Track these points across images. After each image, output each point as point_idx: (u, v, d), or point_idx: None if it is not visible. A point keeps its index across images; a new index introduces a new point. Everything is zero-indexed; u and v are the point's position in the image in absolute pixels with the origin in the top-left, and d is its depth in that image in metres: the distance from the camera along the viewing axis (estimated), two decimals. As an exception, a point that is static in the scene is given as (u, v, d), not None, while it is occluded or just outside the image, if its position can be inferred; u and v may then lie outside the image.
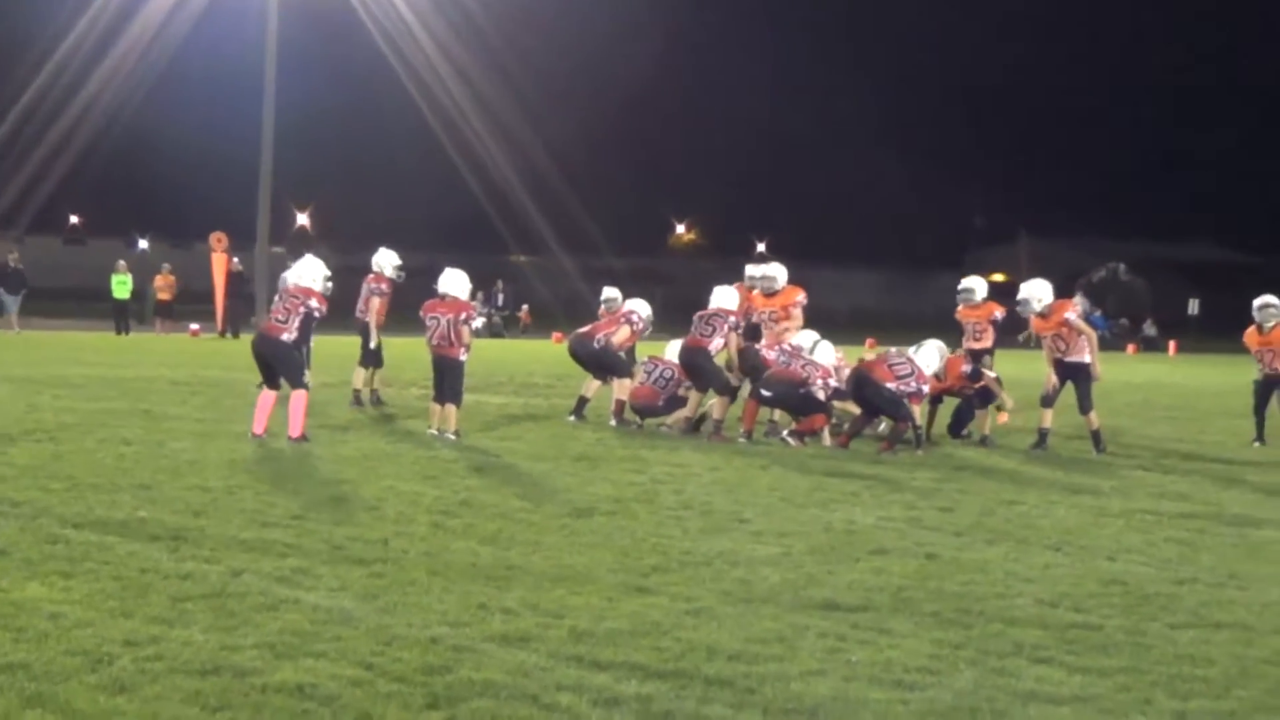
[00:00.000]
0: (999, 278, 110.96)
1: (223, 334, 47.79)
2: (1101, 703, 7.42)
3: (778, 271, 21.07)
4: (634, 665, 7.74)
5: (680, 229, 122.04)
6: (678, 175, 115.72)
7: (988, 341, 21.55)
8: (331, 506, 12.47)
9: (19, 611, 8.39)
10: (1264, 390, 21.73)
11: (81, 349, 35.52)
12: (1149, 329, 69.50)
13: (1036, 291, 19.91)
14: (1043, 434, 19.37)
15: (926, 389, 18.91)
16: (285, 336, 17.78)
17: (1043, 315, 19.64)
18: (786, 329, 20.37)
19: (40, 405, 20.34)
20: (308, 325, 18.36)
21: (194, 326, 47.16)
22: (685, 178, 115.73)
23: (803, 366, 19.14)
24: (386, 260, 22.04)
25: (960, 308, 21.73)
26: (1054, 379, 19.48)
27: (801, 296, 20.82)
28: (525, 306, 64.20)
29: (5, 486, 12.87)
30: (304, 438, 17.19)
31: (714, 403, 19.81)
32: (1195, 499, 15.01)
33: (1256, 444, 21.12)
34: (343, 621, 8.40)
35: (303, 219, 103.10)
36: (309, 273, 18.29)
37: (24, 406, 20.05)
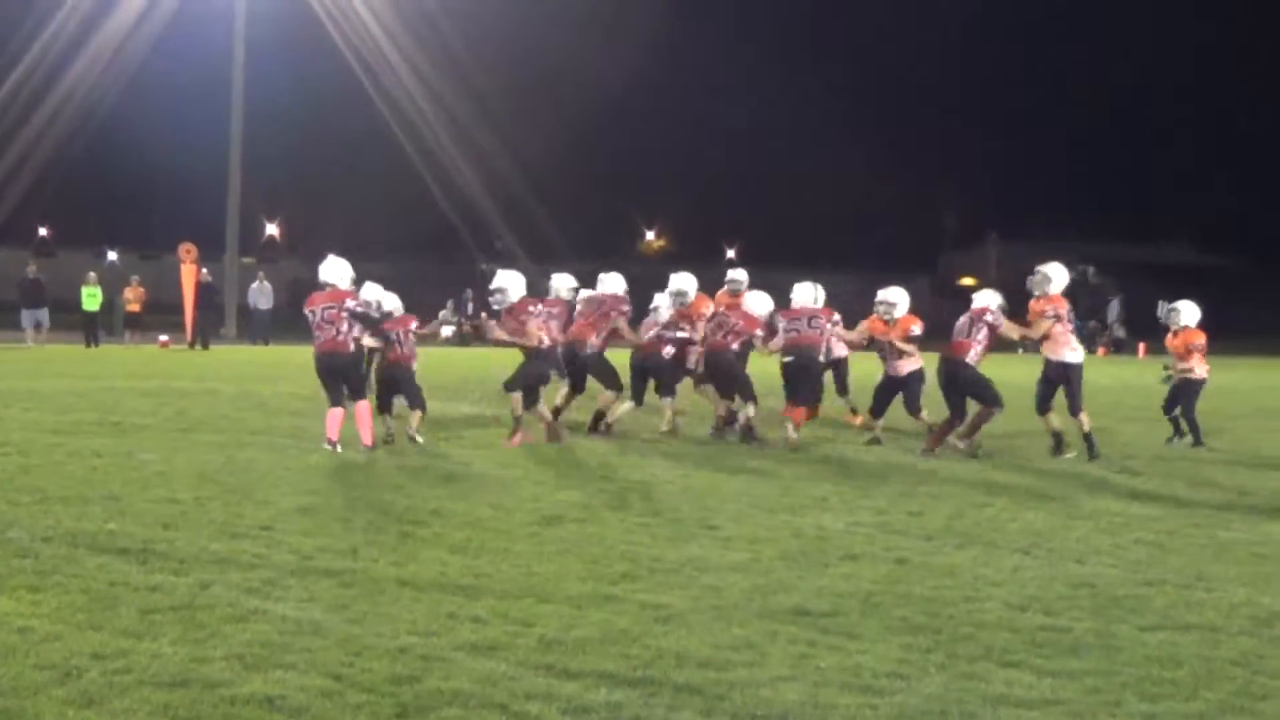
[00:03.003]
0: (969, 280, 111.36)
1: (192, 345, 47.65)
2: (1071, 705, 7.44)
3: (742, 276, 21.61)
4: (603, 673, 7.75)
5: (650, 235, 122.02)
6: (647, 181, 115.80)
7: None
8: (300, 517, 12.45)
9: (-13, 626, 8.38)
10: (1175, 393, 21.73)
11: (51, 361, 35.44)
12: (1118, 331, 69.54)
13: (892, 297, 20.56)
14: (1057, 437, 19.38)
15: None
16: (350, 349, 18.03)
17: (887, 322, 20.38)
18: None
19: (8, 418, 20.30)
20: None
21: (163, 338, 47.01)
22: (654, 183, 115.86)
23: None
24: (563, 283, 21.60)
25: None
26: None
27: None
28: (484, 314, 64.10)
29: (-28, 500, 12.85)
30: (374, 447, 17.62)
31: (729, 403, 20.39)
32: (1164, 500, 15.04)
33: (1172, 443, 21.34)
34: (312, 632, 8.39)
35: (272, 229, 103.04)
36: (336, 273, 18.35)
37: (-9, 419, 20.02)
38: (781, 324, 20.30)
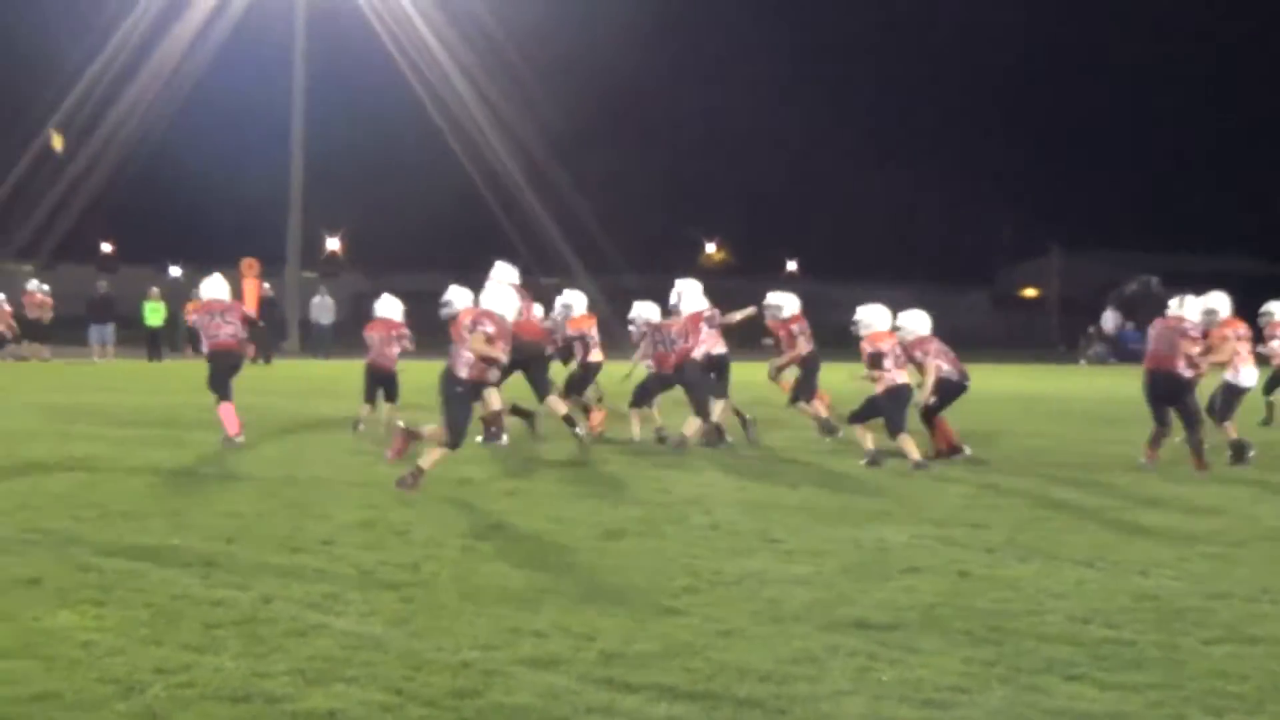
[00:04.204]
0: (1031, 292, 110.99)
1: (254, 359, 47.85)
2: (1134, 719, 7.41)
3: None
4: (664, 687, 7.74)
5: (710, 248, 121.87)
6: (707, 194, 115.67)
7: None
8: (361, 531, 12.48)
9: (51, 640, 8.41)
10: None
11: (114, 376, 35.65)
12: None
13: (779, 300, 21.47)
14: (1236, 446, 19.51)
15: None
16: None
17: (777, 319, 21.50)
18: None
19: (73, 433, 20.44)
20: None
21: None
22: (715, 197, 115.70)
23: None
24: (648, 310, 21.91)
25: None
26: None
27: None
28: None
29: (37, 515, 12.92)
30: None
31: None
32: (1228, 513, 14.91)
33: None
34: (373, 647, 8.41)
35: (333, 243, 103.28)
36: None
37: (56, 435, 20.16)
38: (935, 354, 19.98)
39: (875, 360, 19.20)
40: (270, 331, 50.02)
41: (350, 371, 24.32)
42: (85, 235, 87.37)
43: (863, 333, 19.41)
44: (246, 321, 20.97)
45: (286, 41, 59.16)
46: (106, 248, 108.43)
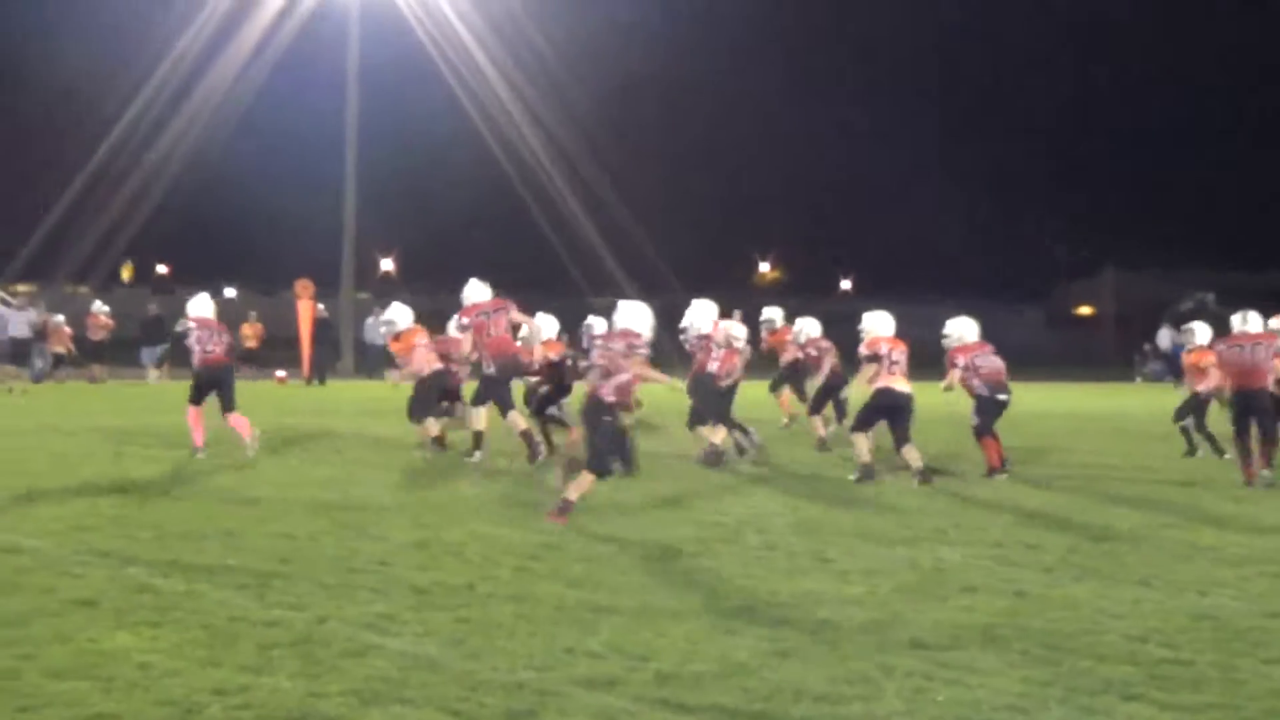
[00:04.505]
0: (1086, 310, 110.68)
1: (309, 380, 47.94)
2: (1193, 740, 7.37)
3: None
4: (720, 707, 7.73)
5: (764, 267, 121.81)
6: (761, 213, 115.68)
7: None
8: (416, 551, 12.49)
9: (108, 661, 8.44)
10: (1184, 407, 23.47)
11: (168, 398, 35.76)
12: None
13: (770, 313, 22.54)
14: None
15: None
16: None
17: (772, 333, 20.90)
18: None
19: (128, 454, 20.52)
20: None
21: (280, 373, 47.32)
22: (768, 215, 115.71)
23: None
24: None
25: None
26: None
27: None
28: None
29: (93, 536, 12.96)
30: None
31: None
32: (1287, 532, 14.85)
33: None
34: (428, 667, 8.41)
35: (387, 264, 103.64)
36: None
37: (111, 456, 20.23)
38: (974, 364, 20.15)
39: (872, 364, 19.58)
40: (325, 352, 50.16)
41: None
42: (141, 257, 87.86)
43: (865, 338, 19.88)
44: (231, 344, 22.06)
45: (340, 64, 59.29)
46: (162, 269, 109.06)
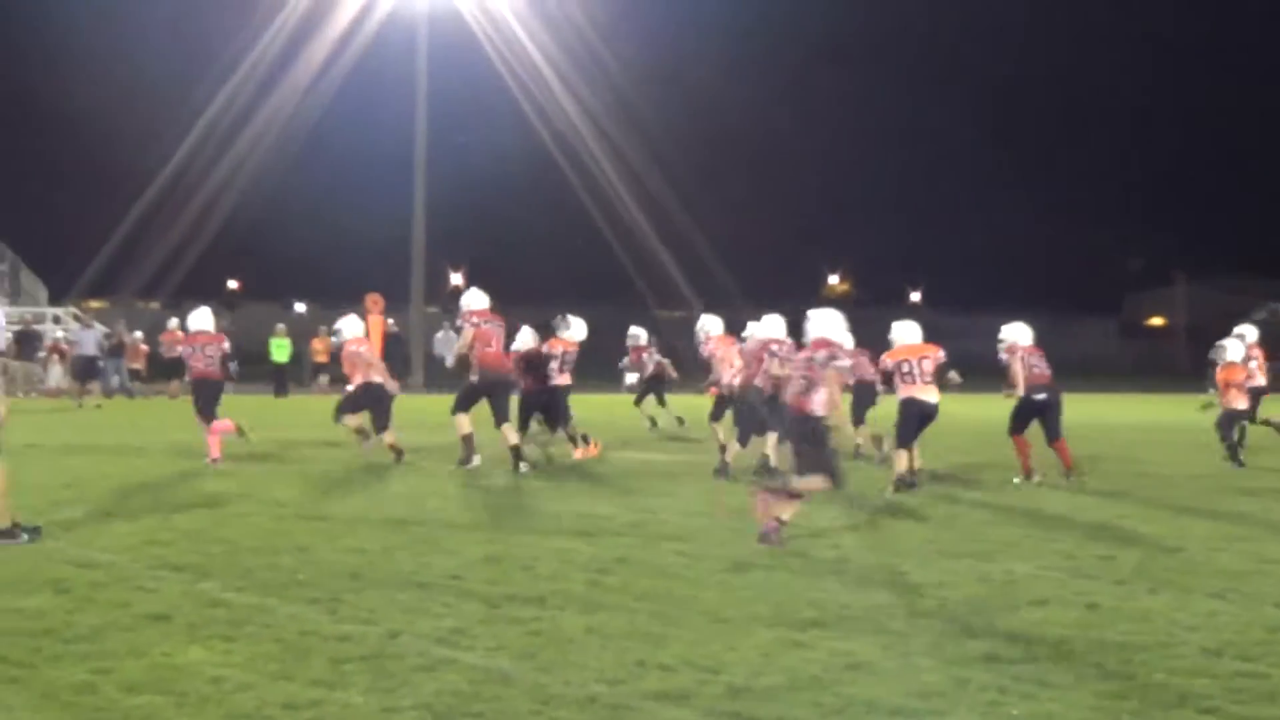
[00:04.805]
0: (1157, 322, 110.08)
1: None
2: (1270, 753, 7.31)
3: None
4: (792, 721, 7.71)
5: (833, 279, 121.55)
6: (831, 224, 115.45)
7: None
8: (487, 566, 12.49)
9: (181, 676, 8.48)
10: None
11: (240, 412, 35.86)
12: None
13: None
14: None
15: None
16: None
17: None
18: None
19: (199, 470, 20.63)
20: None
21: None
22: (838, 226, 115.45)
23: None
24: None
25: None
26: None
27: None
28: (667, 361, 64.32)
29: (167, 551, 13.03)
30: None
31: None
32: (1364, 542, 14.72)
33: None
34: (500, 681, 8.42)
35: (456, 278, 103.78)
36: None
37: (184, 471, 20.35)
38: (1024, 360, 20.47)
39: (886, 378, 20.24)
40: (395, 367, 50.22)
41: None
42: (210, 272, 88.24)
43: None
44: (225, 354, 23.26)
45: (408, 78, 59.50)
46: (232, 284, 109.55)
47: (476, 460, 21.44)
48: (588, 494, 18.26)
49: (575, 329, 24.27)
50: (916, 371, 19.43)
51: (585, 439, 23.88)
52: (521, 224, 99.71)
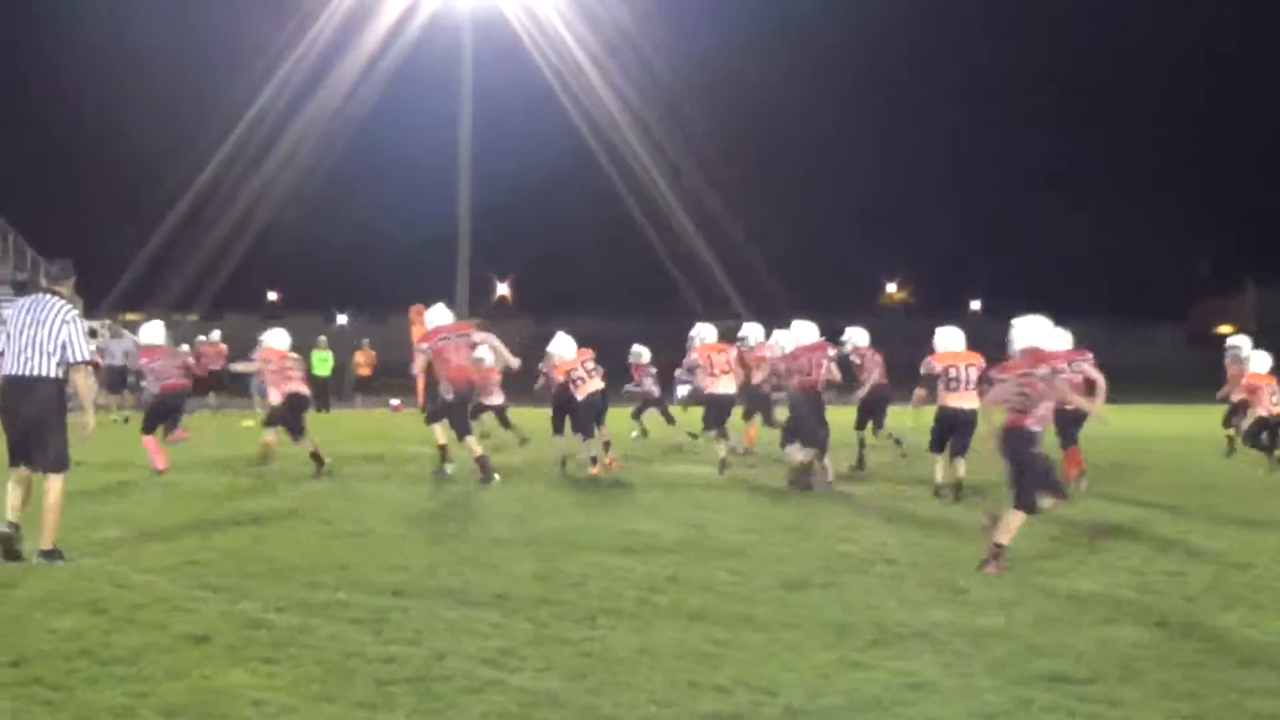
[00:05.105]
0: (1226, 329, 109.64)
1: (424, 409, 47.98)
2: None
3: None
4: (851, 743, 7.69)
5: (891, 287, 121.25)
6: (888, 231, 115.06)
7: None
8: (535, 584, 12.48)
9: (221, 698, 8.48)
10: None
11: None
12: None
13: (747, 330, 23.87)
14: None
15: None
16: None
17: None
18: None
19: (239, 487, 20.66)
20: None
21: (395, 402, 47.50)
22: (895, 233, 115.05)
23: None
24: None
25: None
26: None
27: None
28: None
29: (206, 571, 13.05)
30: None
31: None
32: None
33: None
34: (550, 703, 8.41)
35: (502, 288, 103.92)
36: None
37: (223, 489, 20.38)
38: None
39: (928, 382, 20.62)
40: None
41: (521, 421, 24.50)
42: (249, 283, 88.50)
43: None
44: (185, 366, 25.11)
45: (452, 85, 59.44)
46: (272, 295, 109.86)
47: (449, 468, 22.43)
48: (636, 509, 18.24)
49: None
50: (962, 378, 19.63)
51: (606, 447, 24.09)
52: (568, 232, 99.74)
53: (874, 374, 24.36)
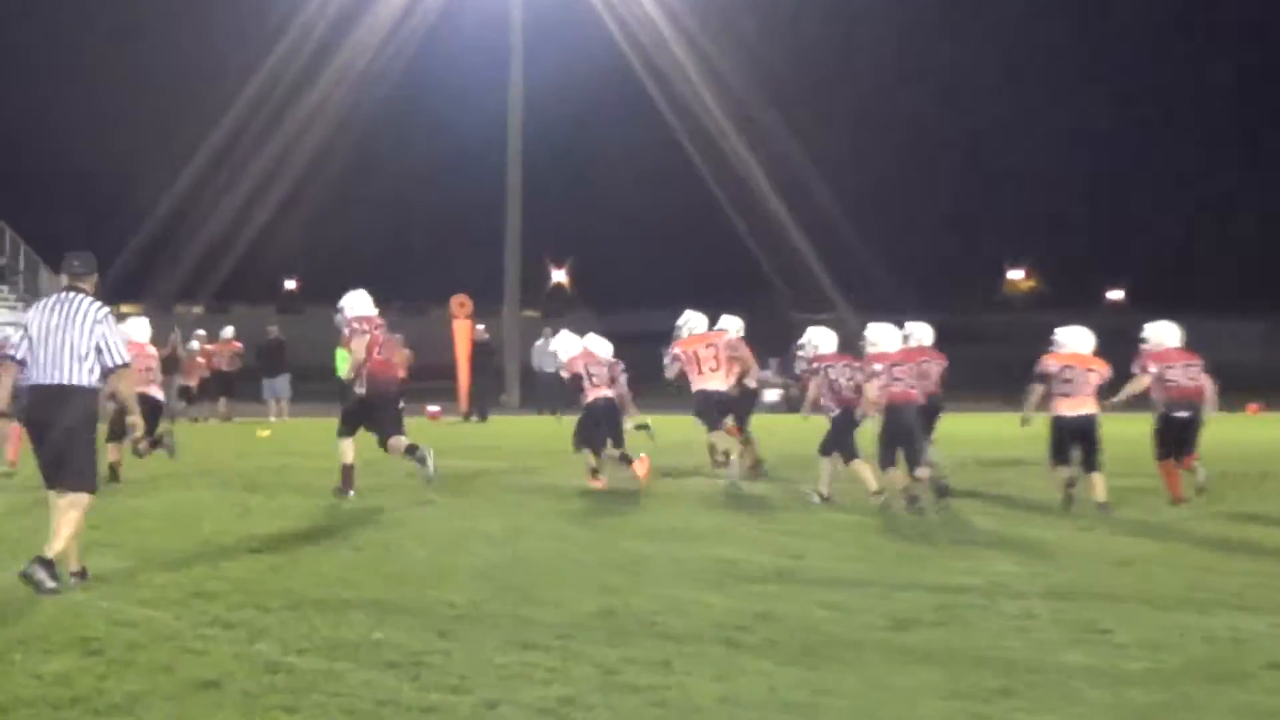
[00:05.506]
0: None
1: (467, 416, 47.99)
2: None
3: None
4: (973, 808, 7.64)
5: (1016, 275, 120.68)
6: (1013, 212, 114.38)
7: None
8: (601, 621, 12.46)
9: (235, 755, 8.50)
10: None
11: (298, 438, 36.08)
12: None
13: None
14: None
15: None
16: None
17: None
18: None
19: (253, 507, 20.71)
20: None
21: (433, 408, 47.53)
22: (1022, 213, 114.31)
23: None
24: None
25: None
26: None
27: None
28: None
29: (216, 605, 13.04)
30: None
31: None
32: None
33: None
34: (618, 761, 8.39)
35: (559, 276, 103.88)
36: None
37: (235, 509, 20.43)
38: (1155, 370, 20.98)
39: (1043, 381, 20.95)
40: (485, 382, 50.18)
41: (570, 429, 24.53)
42: (262, 271, 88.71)
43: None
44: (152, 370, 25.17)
45: (500, 40, 59.50)
46: (289, 284, 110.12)
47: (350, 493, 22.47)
48: (716, 534, 18.20)
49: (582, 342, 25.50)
50: (1079, 381, 19.76)
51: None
52: (636, 214, 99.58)
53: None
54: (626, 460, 23.99)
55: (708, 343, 24.42)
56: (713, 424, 24.31)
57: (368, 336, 22.80)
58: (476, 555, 16.24)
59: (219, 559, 15.78)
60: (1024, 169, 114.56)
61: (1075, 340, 20.62)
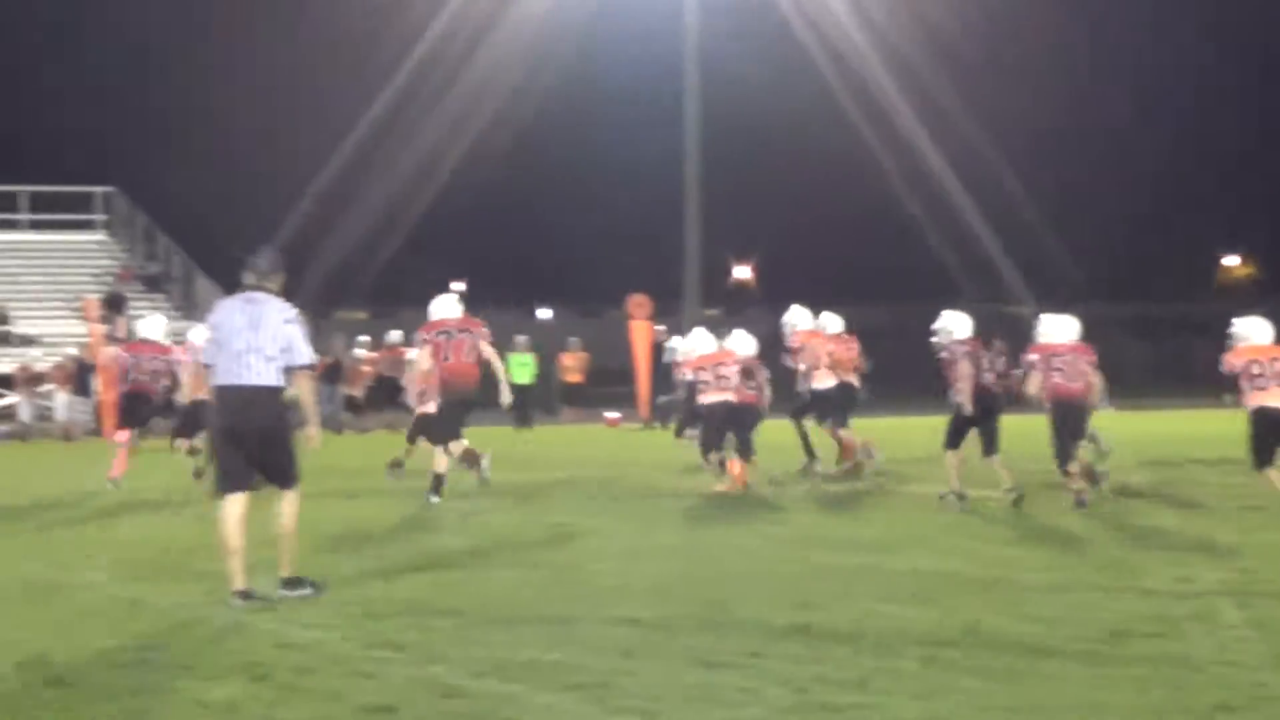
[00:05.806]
0: None
1: (648, 422, 47.94)
2: None
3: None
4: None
5: (1230, 260, 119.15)
6: (1226, 190, 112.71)
7: None
8: (794, 639, 12.37)
9: (412, 784, 8.52)
10: None
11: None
12: None
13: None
14: None
15: None
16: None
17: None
18: None
19: (423, 522, 20.75)
20: None
21: (612, 414, 47.53)
22: (1237, 192, 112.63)
23: None
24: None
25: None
26: None
27: None
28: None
29: (383, 626, 13.10)
30: None
31: None
32: None
33: None
34: (821, 785, 8.35)
35: (742, 272, 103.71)
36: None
37: (404, 525, 20.50)
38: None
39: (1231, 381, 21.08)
40: (663, 385, 50.11)
41: (770, 436, 24.45)
42: (429, 272, 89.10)
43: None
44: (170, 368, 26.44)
45: (675, 29, 59.38)
46: (458, 286, 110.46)
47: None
48: (914, 543, 18.10)
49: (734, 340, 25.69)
50: (1269, 374, 19.67)
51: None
52: (822, 207, 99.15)
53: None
54: (721, 465, 24.14)
55: (820, 336, 24.63)
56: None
57: (429, 346, 23.38)
58: (661, 570, 16.21)
59: (388, 576, 15.84)
60: (1239, 150, 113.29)
61: (1253, 332, 20.55)
